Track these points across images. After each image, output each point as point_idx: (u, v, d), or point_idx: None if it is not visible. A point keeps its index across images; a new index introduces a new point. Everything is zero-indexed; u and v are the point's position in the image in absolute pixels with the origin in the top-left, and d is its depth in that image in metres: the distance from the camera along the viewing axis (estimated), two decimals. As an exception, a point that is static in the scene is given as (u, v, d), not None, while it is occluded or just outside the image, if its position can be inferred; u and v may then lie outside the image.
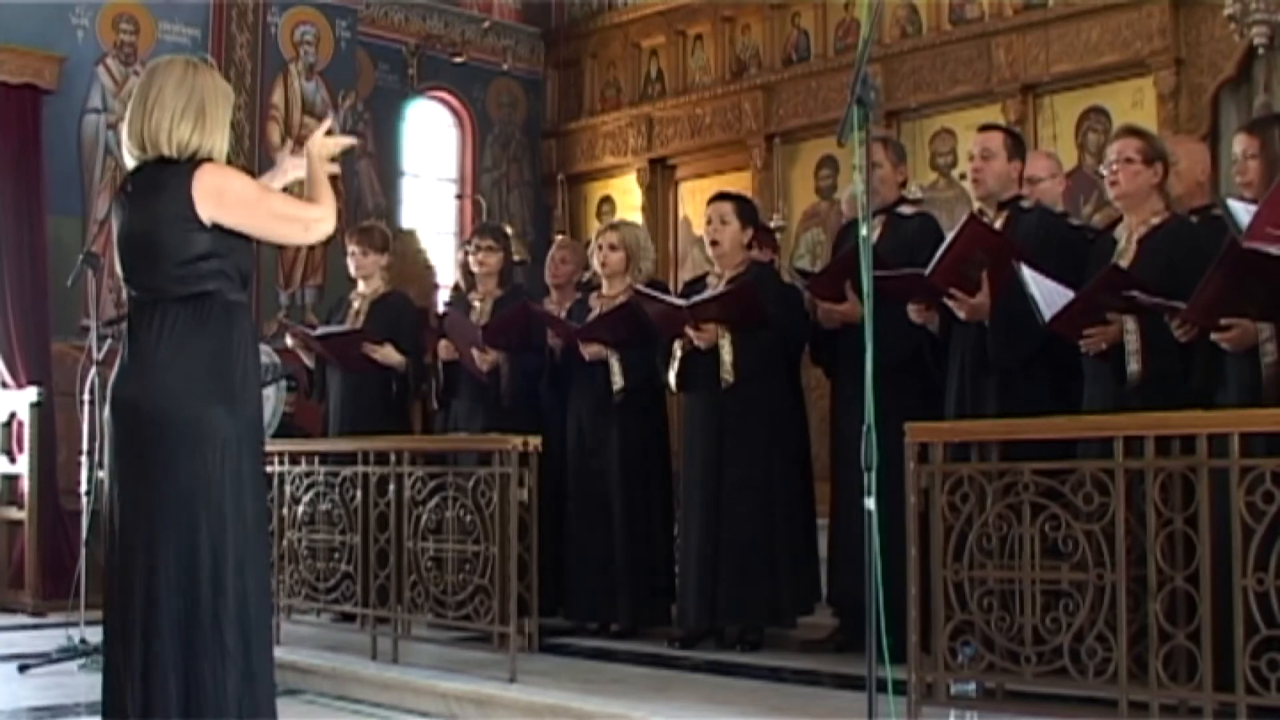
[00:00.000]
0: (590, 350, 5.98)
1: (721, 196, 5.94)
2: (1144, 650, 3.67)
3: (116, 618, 3.26)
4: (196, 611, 3.20)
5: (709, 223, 5.80)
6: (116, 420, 3.32)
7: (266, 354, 6.61)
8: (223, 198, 3.29)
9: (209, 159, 3.35)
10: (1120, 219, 4.77)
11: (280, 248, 8.62)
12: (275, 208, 3.39)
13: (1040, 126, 8.36)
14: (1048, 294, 4.49)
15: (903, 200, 5.61)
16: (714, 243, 5.78)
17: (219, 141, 3.39)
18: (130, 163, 3.42)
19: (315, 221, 3.40)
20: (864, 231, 3.45)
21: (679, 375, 5.72)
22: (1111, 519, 3.73)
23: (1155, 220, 4.59)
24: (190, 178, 3.28)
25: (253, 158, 8.75)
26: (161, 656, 3.17)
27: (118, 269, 3.44)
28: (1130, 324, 4.39)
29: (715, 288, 5.70)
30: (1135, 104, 7.97)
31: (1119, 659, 3.69)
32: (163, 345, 3.28)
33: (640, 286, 5.92)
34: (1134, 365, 4.39)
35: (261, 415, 3.51)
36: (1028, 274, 4.53)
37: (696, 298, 5.63)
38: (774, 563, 5.54)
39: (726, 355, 5.55)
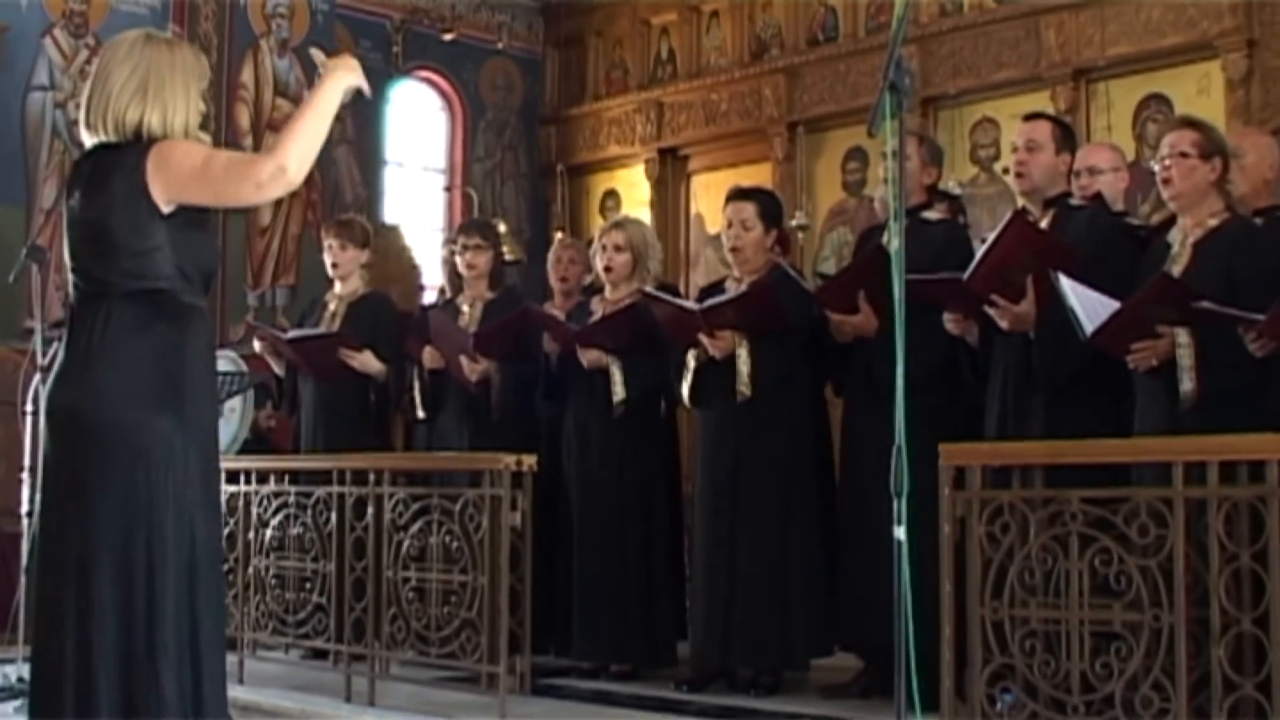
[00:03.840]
0: (589, 357, 5.97)
1: (742, 194, 5.93)
2: (1206, 701, 3.67)
3: (46, 649, 3.24)
4: (132, 643, 3.16)
5: (729, 226, 5.80)
6: (52, 428, 3.33)
7: (232, 360, 6.62)
8: (168, 167, 3.26)
9: (165, 137, 3.33)
10: (1175, 218, 4.75)
11: (247, 241, 8.64)
12: (220, 166, 3.29)
13: (1094, 116, 8.35)
14: (1089, 305, 4.45)
15: (930, 204, 5.59)
16: (734, 249, 5.78)
17: (174, 118, 3.36)
18: (87, 144, 3.43)
19: (269, 179, 3.23)
20: (893, 227, 3.46)
21: (692, 389, 5.72)
22: (1170, 553, 3.73)
23: (1213, 222, 4.54)
24: (144, 158, 3.28)
25: (218, 141, 8.76)
26: (95, 692, 3.14)
27: (65, 259, 3.42)
28: (1183, 338, 4.32)
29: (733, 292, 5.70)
30: (1201, 91, 7.95)
31: (1178, 710, 3.69)
32: (107, 345, 3.27)
33: (649, 289, 5.92)
34: (1187, 384, 4.31)
35: (216, 428, 3.50)
36: (1066, 284, 4.50)
37: (710, 301, 5.63)
38: (792, 599, 5.54)
39: (744, 366, 5.54)
